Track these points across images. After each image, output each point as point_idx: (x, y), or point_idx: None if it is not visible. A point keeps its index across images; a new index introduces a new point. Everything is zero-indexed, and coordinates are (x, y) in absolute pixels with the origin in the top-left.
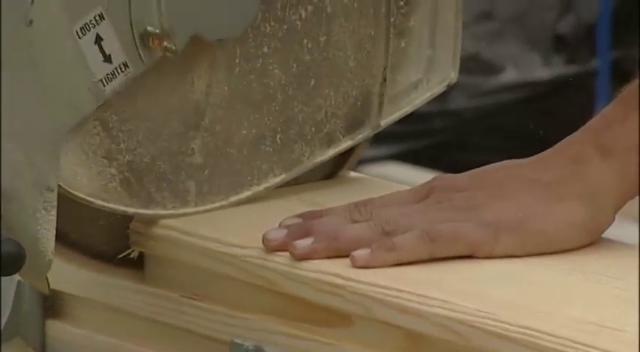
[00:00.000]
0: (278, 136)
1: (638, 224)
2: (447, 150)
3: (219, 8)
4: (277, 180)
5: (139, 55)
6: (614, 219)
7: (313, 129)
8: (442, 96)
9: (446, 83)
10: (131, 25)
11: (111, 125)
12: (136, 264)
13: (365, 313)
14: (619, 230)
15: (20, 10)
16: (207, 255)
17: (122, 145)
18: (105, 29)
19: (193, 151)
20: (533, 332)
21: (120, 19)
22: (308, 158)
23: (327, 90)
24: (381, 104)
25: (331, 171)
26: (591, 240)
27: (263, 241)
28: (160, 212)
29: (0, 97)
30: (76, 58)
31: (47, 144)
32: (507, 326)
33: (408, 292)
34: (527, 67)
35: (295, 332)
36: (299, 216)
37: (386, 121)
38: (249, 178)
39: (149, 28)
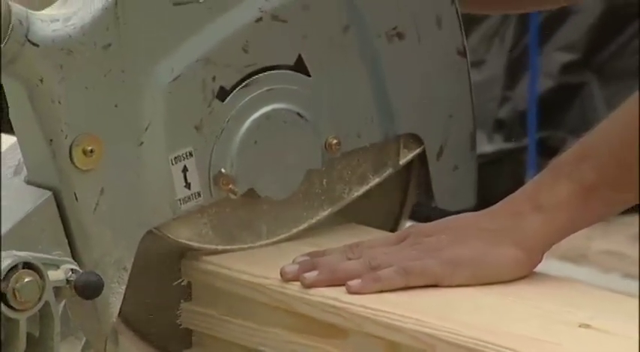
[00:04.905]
0: (324, 180)
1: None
2: (419, 204)
3: (272, 175)
4: (325, 213)
5: (210, 189)
6: (542, 258)
7: (349, 172)
8: None
9: None
10: (209, 166)
11: None
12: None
13: (357, 328)
14: (545, 266)
15: (135, 134)
16: (239, 283)
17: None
18: (191, 163)
19: (263, 200)
20: (483, 343)
21: (203, 159)
22: (347, 194)
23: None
24: (398, 149)
25: (395, 222)
26: (525, 274)
27: (281, 273)
28: (242, 246)
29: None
30: (166, 178)
31: (129, 234)
32: (464, 338)
33: (390, 312)
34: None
35: (304, 342)
36: (307, 254)
37: (403, 161)
38: (304, 214)
39: (222, 170)
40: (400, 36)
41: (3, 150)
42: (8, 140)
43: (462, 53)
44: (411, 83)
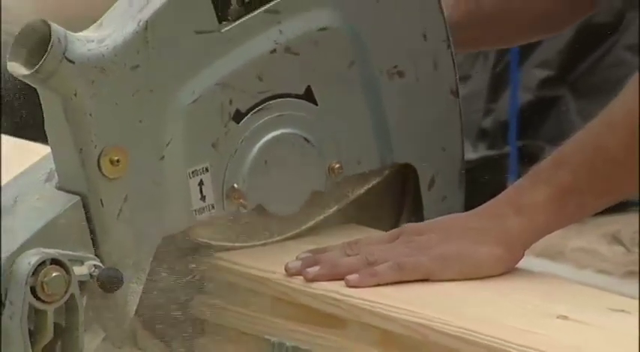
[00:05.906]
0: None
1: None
2: None
3: (279, 193)
4: (331, 210)
5: (223, 202)
6: (523, 255)
7: (353, 175)
8: None
9: None
10: (224, 180)
11: None
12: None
13: (356, 318)
14: (526, 262)
15: (158, 148)
16: (248, 277)
17: None
18: (206, 178)
19: None
20: (472, 333)
21: (217, 174)
22: (352, 193)
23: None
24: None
25: (395, 222)
26: (507, 269)
27: (285, 269)
28: (256, 242)
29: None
30: (184, 190)
31: (148, 239)
32: (454, 327)
33: (385, 304)
34: None
35: (306, 331)
36: (309, 251)
37: (399, 163)
38: (312, 213)
39: (235, 185)
40: (400, 74)
41: (37, 159)
42: (9, 140)
43: (455, 93)
44: (408, 117)
